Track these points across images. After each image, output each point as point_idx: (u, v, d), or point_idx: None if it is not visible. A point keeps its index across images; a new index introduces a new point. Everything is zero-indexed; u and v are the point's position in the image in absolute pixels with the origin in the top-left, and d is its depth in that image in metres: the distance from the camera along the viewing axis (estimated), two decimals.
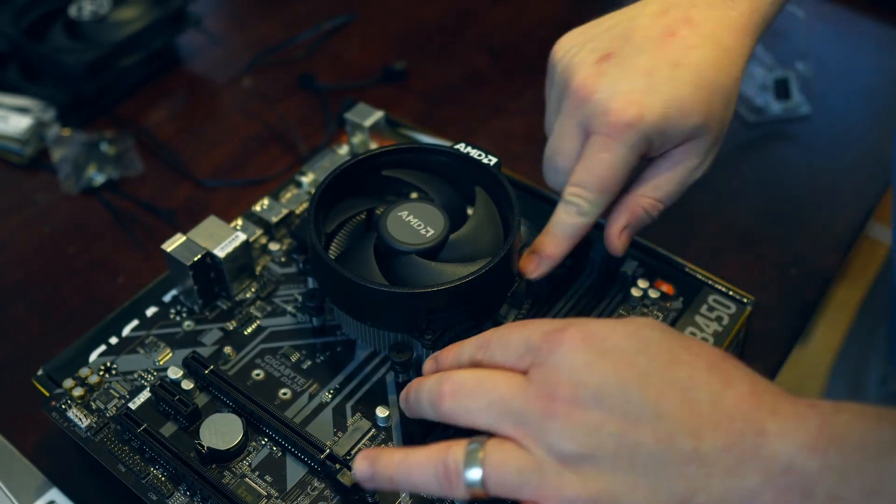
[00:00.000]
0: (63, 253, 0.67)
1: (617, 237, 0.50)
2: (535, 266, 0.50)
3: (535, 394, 0.37)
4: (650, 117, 0.47)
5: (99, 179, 0.71)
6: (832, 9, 0.88)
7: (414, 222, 0.50)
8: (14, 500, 0.51)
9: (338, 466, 0.45)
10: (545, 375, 0.38)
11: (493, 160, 0.53)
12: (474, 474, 0.37)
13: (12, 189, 0.72)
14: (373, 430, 0.48)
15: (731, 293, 0.54)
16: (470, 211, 0.52)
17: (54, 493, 0.51)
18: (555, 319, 0.41)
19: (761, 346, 0.59)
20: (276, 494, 0.45)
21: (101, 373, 0.51)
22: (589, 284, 0.54)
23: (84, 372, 0.51)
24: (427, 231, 0.50)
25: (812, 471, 0.34)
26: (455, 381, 0.39)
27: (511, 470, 0.37)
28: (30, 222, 0.69)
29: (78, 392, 0.50)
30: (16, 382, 0.58)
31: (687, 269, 0.55)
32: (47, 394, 0.50)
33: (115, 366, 0.51)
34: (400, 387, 0.50)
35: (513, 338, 0.40)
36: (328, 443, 0.47)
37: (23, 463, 0.53)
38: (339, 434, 0.48)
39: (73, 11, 0.78)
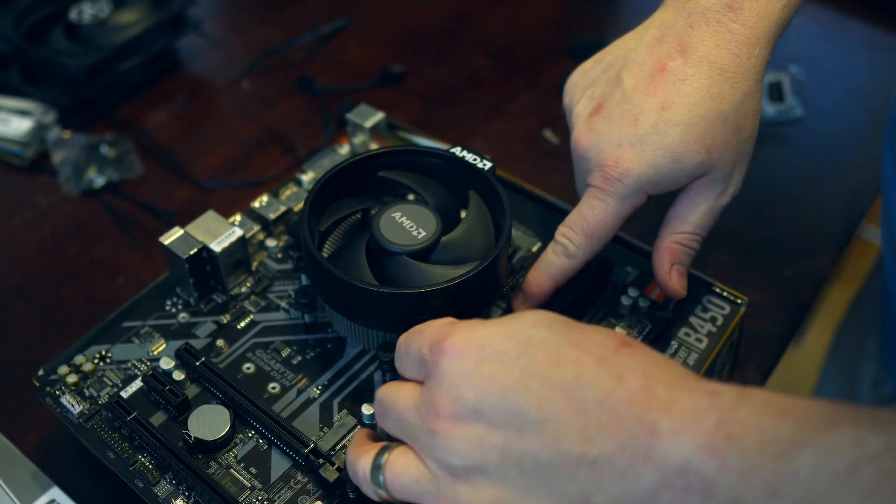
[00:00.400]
0: (63, 254, 0.67)
1: (668, 279, 0.50)
2: (520, 303, 0.52)
3: (424, 411, 0.38)
4: (637, 170, 0.47)
5: (99, 181, 0.72)
6: (824, 12, 0.88)
7: (406, 223, 0.50)
8: (15, 498, 0.51)
9: (321, 461, 0.45)
10: (430, 391, 0.38)
11: (488, 164, 0.53)
12: (378, 482, 0.40)
13: (13, 191, 0.72)
14: (358, 427, 0.48)
15: (725, 294, 0.53)
16: (463, 214, 0.53)
17: (55, 492, 0.52)
18: (449, 322, 0.41)
19: (755, 347, 0.59)
20: (260, 486, 0.46)
21: (96, 361, 0.52)
22: (580, 291, 0.53)
23: (79, 359, 0.51)
24: (419, 233, 0.50)
25: (710, 472, 0.33)
26: (379, 397, 0.42)
27: (410, 480, 0.38)
28: (30, 224, 0.70)
29: (72, 379, 0.50)
30: (16, 382, 0.58)
31: None
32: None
33: (109, 354, 0.52)
34: None
35: (411, 349, 0.41)
36: (313, 438, 0.47)
37: (24, 462, 0.53)
38: (325, 430, 0.48)
39: (73, 15, 0.79)
